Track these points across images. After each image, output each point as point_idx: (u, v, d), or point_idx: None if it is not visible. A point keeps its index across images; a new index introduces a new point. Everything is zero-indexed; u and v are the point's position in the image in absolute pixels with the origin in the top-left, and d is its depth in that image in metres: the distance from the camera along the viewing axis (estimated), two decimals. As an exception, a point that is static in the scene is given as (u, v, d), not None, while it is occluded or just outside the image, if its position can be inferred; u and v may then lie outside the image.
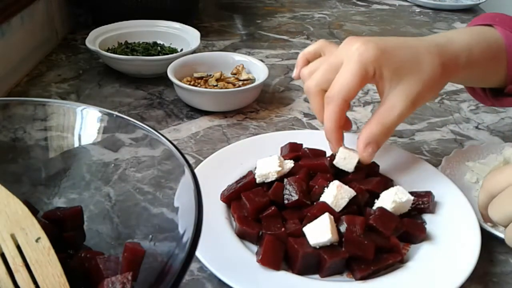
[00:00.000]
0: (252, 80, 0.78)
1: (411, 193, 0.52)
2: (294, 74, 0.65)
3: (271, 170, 0.53)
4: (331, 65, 0.54)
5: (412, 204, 0.52)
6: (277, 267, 0.46)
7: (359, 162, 0.54)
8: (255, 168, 0.54)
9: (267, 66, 0.78)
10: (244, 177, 0.55)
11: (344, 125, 0.56)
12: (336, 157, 0.55)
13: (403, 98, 0.51)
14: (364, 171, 0.55)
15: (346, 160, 0.54)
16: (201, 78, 0.79)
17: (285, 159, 0.55)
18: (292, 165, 0.54)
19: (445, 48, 0.54)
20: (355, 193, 0.50)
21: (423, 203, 0.53)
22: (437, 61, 0.53)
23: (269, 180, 0.53)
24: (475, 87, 0.65)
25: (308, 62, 0.63)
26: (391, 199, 0.50)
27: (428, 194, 0.53)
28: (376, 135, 0.52)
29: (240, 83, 0.77)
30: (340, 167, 0.55)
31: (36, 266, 0.34)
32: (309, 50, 0.64)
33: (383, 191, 0.52)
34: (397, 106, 0.51)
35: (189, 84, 0.74)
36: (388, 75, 0.51)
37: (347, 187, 0.51)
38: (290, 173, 0.54)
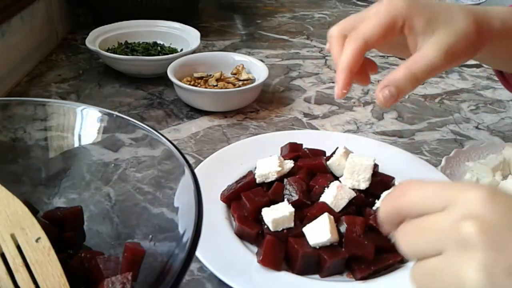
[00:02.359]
0: (252, 80, 0.78)
1: (411, 193, 0.53)
2: (327, 46, 0.58)
3: (271, 170, 0.53)
4: (359, 15, 0.52)
5: (412, 204, 0.52)
6: (278, 268, 0.46)
7: None
8: (255, 168, 0.55)
9: (267, 66, 0.78)
10: (244, 177, 0.56)
11: (370, 67, 0.55)
12: (331, 159, 0.55)
13: (435, 48, 0.48)
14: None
15: (339, 166, 0.55)
16: (201, 78, 0.79)
17: (285, 159, 0.55)
18: (292, 165, 0.55)
19: (478, 11, 0.52)
20: (355, 194, 0.51)
21: (423, 203, 0.53)
22: (470, 18, 0.50)
23: (269, 180, 0.53)
24: (506, 73, 0.63)
25: None
26: (391, 199, 0.50)
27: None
28: (399, 79, 0.48)
29: (240, 83, 0.77)
30: (331, 169, 0.55)
31: (36, 266, 0.34)
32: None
33: (383, 191, 0.52)
34: (429, 55, 0.48)
35: (189, 84, 0.74)
36: (420, 27, 0.49)
37: (347, 187, 0.51)
38: (290, 173, 0.54)
